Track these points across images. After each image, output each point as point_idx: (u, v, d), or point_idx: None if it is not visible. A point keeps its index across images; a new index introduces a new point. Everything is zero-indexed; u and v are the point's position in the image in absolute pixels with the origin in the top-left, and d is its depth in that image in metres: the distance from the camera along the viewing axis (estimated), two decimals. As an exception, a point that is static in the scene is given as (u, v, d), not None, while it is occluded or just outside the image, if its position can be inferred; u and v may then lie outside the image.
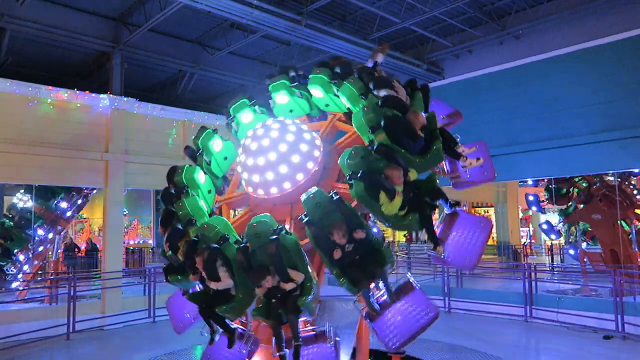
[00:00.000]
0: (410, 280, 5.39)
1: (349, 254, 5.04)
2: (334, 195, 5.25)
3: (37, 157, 12.08)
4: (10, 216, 14.60)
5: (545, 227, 16.42)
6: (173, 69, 19.87)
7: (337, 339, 5.28)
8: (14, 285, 14.09)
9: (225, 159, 6.96)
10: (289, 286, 5.04)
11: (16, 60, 17.77)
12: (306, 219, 5.19)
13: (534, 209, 17.20)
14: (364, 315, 5.31)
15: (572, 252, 16.26)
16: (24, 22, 15.01)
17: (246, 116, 6.88)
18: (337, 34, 17.10)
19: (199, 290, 5.98)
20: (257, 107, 6.95)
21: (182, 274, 5.69)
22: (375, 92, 5.80)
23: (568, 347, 9.87)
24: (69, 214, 15.17)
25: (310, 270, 5.21)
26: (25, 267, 14.27)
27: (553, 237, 16.79)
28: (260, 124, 6.30)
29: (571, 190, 15.90)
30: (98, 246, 20.44)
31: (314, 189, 5.42)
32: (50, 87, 12.55)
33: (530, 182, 16.86)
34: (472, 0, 16.31)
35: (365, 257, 5.10)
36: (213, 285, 5.31)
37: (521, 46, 18.21)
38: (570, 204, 15.81)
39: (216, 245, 5.32)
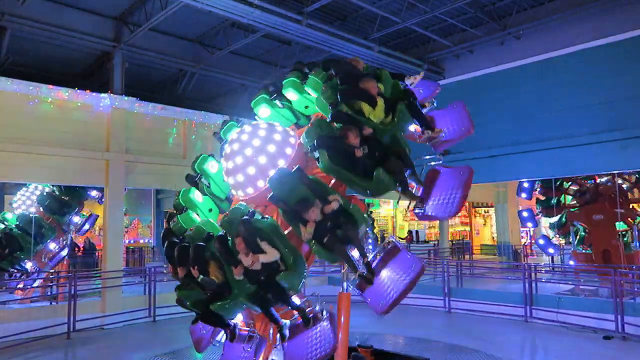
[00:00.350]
0: (395, 243, 5.47)
1: (319, 223, 5.08)
2: (294, 169, 5.41)
3: (37, 156, 12.08)
4: (20, 225, 14.31)
5: (542, 242, 15.85)
6: (173, 68, 19.87)
7: (329, 315, 5.33)
8: (20, 286, 14.12)
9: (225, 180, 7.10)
10: (263, 258, 5.10)
11: (16, 59, 17.77)
12: (270, 195, 5.34)
13: (529, 224, 16.76)
14: (354, 286, 5.33)
15: (571, 262, 15.77)
16: (24, 21, 15.01)
17: (263, 110, 6.99)
18: (337, 33, 17.10)
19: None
20: (240, 122, 7.16)
21: (185, 287, 5.86)
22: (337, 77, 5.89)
23: (568, 347, 9.87)
24: (85, 227, 15.32)
25: (290, 247, 5.27)
26: (37, 282, 14.25)
27: (551, 250, 16.35)
28: (238, 129, 6.57)
29: (562, 198, 15.79)
30: (96, 245, 20.50)
31: (246, 209, 5.62)
32: (51, 86, 12.55)
33: (524, 195, 16.48)
34: (472, 0, 16.30)
35: (335, 222, 5.14)
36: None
37: (522, 46, 18.21)
38: (563, 212, 15.69)
39: (201, 243, 5.53)
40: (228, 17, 15.75)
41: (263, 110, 6.85)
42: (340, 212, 5.18)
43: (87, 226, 15.42)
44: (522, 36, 18.39)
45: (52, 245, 14.61)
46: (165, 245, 6.24)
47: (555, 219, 16.10)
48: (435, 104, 6.34)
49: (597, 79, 12.20)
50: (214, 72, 20.00)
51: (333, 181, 5.52)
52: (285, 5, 15.51)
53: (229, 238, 5.36)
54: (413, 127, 5.88)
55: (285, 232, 5.43)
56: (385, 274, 5.25)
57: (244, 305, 5.35)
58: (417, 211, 5.50)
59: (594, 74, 12.28)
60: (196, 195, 6.84)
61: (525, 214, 16.24)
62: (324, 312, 5.34)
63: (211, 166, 7.05)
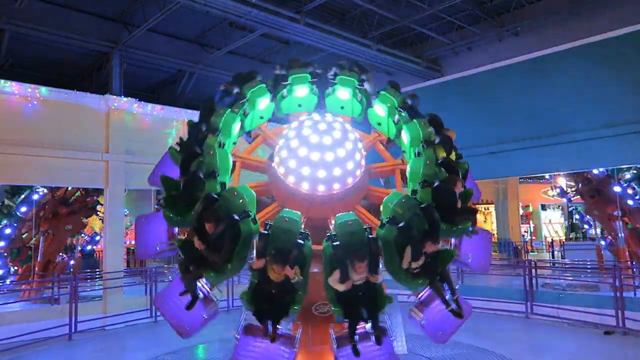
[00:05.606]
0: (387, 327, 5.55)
1: (353, 288, 5.12)
2: (368, 232, 5.33)
3: (37, 157, 12.08)
4: None
5: (577, 216, 16.90)
6: (172, 68, 19.88)
7: (392, 332, 5.52)
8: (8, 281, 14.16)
9: (261, 117, 6.85)
10: (375, 279, 5.16)
11: (15, 61, 17.79)
12: (336, 243, 5.23)
13: (564, 199, 17.62)
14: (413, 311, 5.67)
15: (557, 191, 16.87)
16: (22, 23, 15.01)
17: (301, 90, 6.87)
18: (335, 32, 17.09)
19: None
20: (314, 87, 6.90)
21: (179, 213, 5.45)
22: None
23: (569, 343, 9.89)
24: (23, 209, 15.08)
25: (307, 280, 5.33)
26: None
27: (586, 226, 17.23)
28: (319, 117, 6.26)
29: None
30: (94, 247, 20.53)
31: (351, 215, 5.53)
32: (50, 88, 12.54)
33: (546, 176, 17.12)
34: (470, -3, 16.32)
35: (365, 296, 5.18)
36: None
37: (520, 43, 18.20)
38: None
39: (237, 217, 5.19)
40: (226, 17, 15.75)
41: (301, 90, 6.75)
42: (373, 292, 5.24)
43: (35, 196, 15.05)
44: (520, 33, 18.38)
45: (8, 230, 14.71)
46: (187, 177, 5.49)
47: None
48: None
49: (597, 74, 12.19)
50: (213, 72, 20.00)
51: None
52: (283, 5, 15.51)
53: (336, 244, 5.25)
54: None
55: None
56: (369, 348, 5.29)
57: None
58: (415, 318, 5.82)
59: (593, 69, 12.27)
60: (236, 126, 6.30)
61: (557, 190, 17.64)
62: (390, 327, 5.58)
63: (262, 102, 6.67)
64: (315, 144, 5.82)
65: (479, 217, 28.79)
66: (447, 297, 5.37)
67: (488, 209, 28.30)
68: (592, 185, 14.91)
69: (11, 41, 16.14)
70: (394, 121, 6.50)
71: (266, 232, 5.27)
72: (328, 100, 6.90)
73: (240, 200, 5.36)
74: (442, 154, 5.95)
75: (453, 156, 6.17)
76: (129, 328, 12.35)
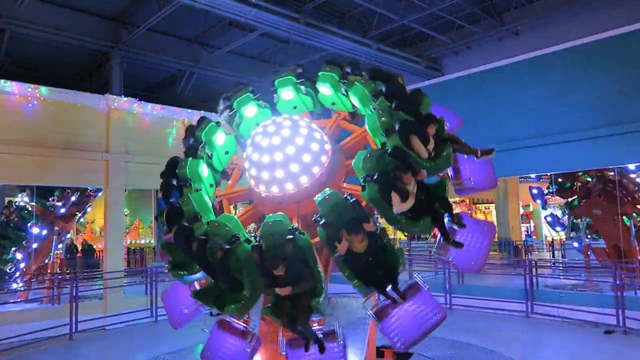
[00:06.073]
0: (418, 281, 5.45)
1: (361, 256, 5.06)
2: (349, 197, 5.28)
3: (37, 157, 12.08)
4: (6, 215, 14.49)
5: (549, 219, 16.76)
6: (172, 68, 19.90)
7: (345, 338, 5.31)
8: (14, 286, 14.12)
9: (227, 153, 6.94)
10: (302, 287, 5.05)
11: (16, 60, 17.80)
12: (322, 221, 5.22)
13: (538, 201, 17.33)
14: (371, 314, 5.34)
15: (575, 244, 16.33)
16: (22, 23, 15.02)
17: (249, 110, 6.88)
18: (335, 31, 17.11)
19: (198, 286, 5.97)
20: (260, 102, 6.97)
21: (186, 269, 5.69)
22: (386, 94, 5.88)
23: (569, 342, 9.89)
24: (62, 210, 15.11)
25: (320, 271, 5.25)
26: (22, 265, 14.26)
27: (558, 229, 17.01)
28: (270, 120, 6.30)
29: (574, 183, 15.91)
30: (94, 247, 20.51)
31: (328, 190, 5.46)
32: (50, 88, 12.54)
33: (532, 176, 16.91)
34: (470, -3, 16.32)
35: (377, 259, 5.12)
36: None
37: (520, 42, 18.21)
38: (575, 196, 15.78)
39: (228, 246, 5.28)
40: (226, 17, 15.76)
41: (287, 92, 6.77)
42: (384, 251, 5.19)
43: (63, 210, 15.08)
44: (520, 32, 18.40)
45: (35, 230, 14.53)
46: (175, 230, 5.73)
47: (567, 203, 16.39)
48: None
49: (596, 73, 12.17)
50: (213, 71, 20.03)
51: (364, 203, 5.53)
52: (283, 4, 15.51)
53: (266, 247, 5.24)
54: None
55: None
56: (404, 310, 5.26)
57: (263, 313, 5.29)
58: (439, 256, 5.66)
59: (593, 68, 12.26)
60: (203, 169, 6.51)
61: (535, 190, 16.97)
62: (341, 334, 5.32)
63: (219, 137, 6.75)
64: (266, 147, 5.88)
65: (479, 217, 28.90)
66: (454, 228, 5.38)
67: (488, 208, 28.31)
68: (600, 183, 14.85)
69: (11, 41, 16.16)
70: (343, 94, 6.47)
71: (256, 243, 5.32)
72: (280, 106, 6.96)
73: (226, 229, 5.48)
74: (392, 102, 5.82)
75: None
76: (130, 328, 12.36)
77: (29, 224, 14.40)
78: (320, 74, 6.56)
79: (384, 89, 5.96)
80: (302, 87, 6.75)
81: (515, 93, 13.62)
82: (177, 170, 6.42)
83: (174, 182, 6.36)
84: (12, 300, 13.28)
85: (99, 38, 16.63)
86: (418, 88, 6.36)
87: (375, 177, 5.20)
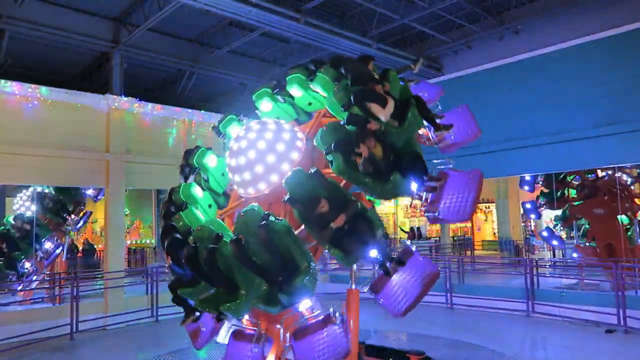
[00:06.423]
0: (408, 246, 5.58)
1: (338, 229, 5.14)
2: (313, 171, 5.44)
3: (38, 157, 12.08)
4: (16, 226, 14.44)
5: (545, 234, 16.36)
6: (172, 68, 19.89)
7: (342, 318, 5.33)
8: (20, 287, 14.17)
9: (223, 174, 7.09)
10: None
11: (16, 61, 17.80)
12: (287, 197, 5.37)
13: (533, 216, 17.07)
14: (368, 290, 5.38)
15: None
16: (22, 23, 15.03)
17: (234, 130, 7.04)
18: (336, 31, 17.11)
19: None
20: (244, 120, 7.17)
21: (193, 285, 5.69)
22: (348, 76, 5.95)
23: (570, 341, 9.88)
24: (80, 224, 15.43)
25: (305, 250, 5.29)
26: (34, 277, 14.31)
27: (555, 242, 16.70)
28: (245, 126, 6.57)
29: (565, 191, 15.86)
30: (95, 246, 20.53)
31: (291, 170, 5.63)
32: (50, 88, 12.54)
33: (526, 188, 16.58)
34: (470, -4, 16.31)
35: (353, 226, 5.19)
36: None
37: (520, 41, 18.20)
38: (566, 206, 15.75)
39: (213, 245, 5.35)
40: (226, 16, 15.76)
41: (264, 104, 6.85)
42: (359, 217, 5.23)
43: (80, 223, 15.42)
44: (521, 31, 18.39)
45: (48, 245, 14.61)
46: (167, 242, 6.01)
47: (559, 212, 16.29)
48: (439, 107, 6.39)
49: (597, 72, 12.17)
50: (213, 71, 20.03)
51: (343, 182, 5.57)
52: (284, 4, 15.51)
53: (245, 240, 5.29)
54: (421, 131, 5.94)
55: (297, 231, 5.46)
56: (399, 277, 5.29)
57: (254, 305, 5.32)
58: (428, 214, 5.59)
59: (593, 67, 12.25)
60: (197, 191, 6.74)
61: (528, 205, 16.54)
62: (337, 315, 5.30)
63: (210, 160, 6.95)
64: (235, 150, 6.18)
65: (480, 216, 28.90)
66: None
67: (489, 207, 28.30)
68: (602, 183, 14.82)
69: (11, 41, 16.16)
70: (313, 91, 6.51)
71: (235, 236, 5.38)
72: (263, 116, 7.07)
73: (210, 230, 5.62)
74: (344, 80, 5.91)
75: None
76: (130, 327, 12.37)
77: (42, 240, 14.52)
78: (287, 77, 6.62)
79: (343, 72, 6.04)
80: (280, 97, 6.82)
81: (515, 93, 13.62)
82: (172, 197, 6.70)
83: (172, 209, 6.59)
84: (15, 301, 13.30)
85: (99, 38, 16.63)
86: (387, 68, 6.33)
87: (333, 145, 5.33)
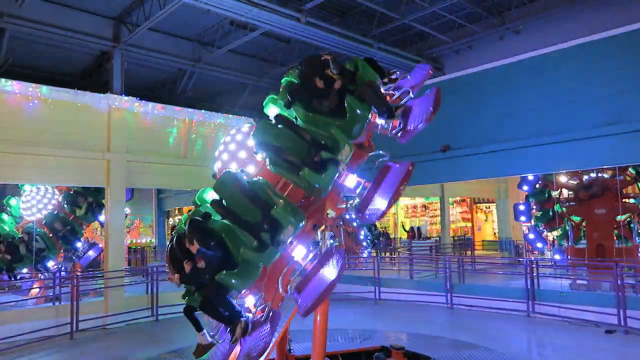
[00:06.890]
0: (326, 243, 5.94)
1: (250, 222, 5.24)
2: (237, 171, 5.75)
3: (38, 157, 12.08)
4: (49, 225, 14.86)
5: (532, 236, 16.11)
6: (173, 67, 19.89)
7: (272, 317, 5.33)
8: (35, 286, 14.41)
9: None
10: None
11: (16, 60, 17.80)
12: (212, 200, 5.55)
13: (523, 218, 16.59)
14: (294, 290, 5.25)
15: (557, 256, 16.00)
16: (23, 22, 15.02)
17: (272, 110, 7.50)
18: (336, 30, 17.09)
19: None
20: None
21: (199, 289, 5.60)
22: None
23: (570, 341, 9.88)
24: (90, 253, 15.58)
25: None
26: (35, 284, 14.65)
27: (539, 245, 16.45)
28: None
29: (558, 192, 15.76)
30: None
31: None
32: (51, 87, 12.54)
33: (525, 187, 16.39)
34: (471, -4, 16.30)
35: (266, 217, 5.24)
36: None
37: (521, 41, 18.19)
38: (553, 206, 15.61)
39: (198, 218, 5.48)
40: (227, 16, 15.75)
41: (271, 110, 6.91)
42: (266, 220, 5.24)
43: (91, 252, 15.59)
44: (521, 31, 18.38)
45: (51, 264, 14.85)
46: (171, 241, 5.84)
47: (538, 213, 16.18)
48: (412, 95, 5.96)
49: (598, 72, 12.16)
50: (214, 71, 20.02)
51: (282, 181, 5.63)
52: (284, 3, 15.49)
53: (224, 200, 5.46)
54: (373, 118, 5.74)
55: None
56: (311, 271, 5.21)
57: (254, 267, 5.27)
58: (396, 133, 5.63)
59: (594, 67, 12.24)
60: (208, 195, 6.83)
61: (522, 207, 16.33)
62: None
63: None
64: (217, 155, 7.03)
65: (480, 216, 28.91)
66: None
67: (489, 207, 28.32)
68: (601, 183, 14.76)
69: (12, 40, 16.16)
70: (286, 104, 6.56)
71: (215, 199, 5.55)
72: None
73: (198, 212, 5.70)
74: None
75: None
76: (130, 327, 12.37)
77: (46, 260, 14.79)
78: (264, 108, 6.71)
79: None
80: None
81: (516, 92, 13.62)
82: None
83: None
84: (18, 299, 13.32)
85: (99, 37, 16.62)
86: (357, 56, 6.23)
87: (259, 143, 5.50)
